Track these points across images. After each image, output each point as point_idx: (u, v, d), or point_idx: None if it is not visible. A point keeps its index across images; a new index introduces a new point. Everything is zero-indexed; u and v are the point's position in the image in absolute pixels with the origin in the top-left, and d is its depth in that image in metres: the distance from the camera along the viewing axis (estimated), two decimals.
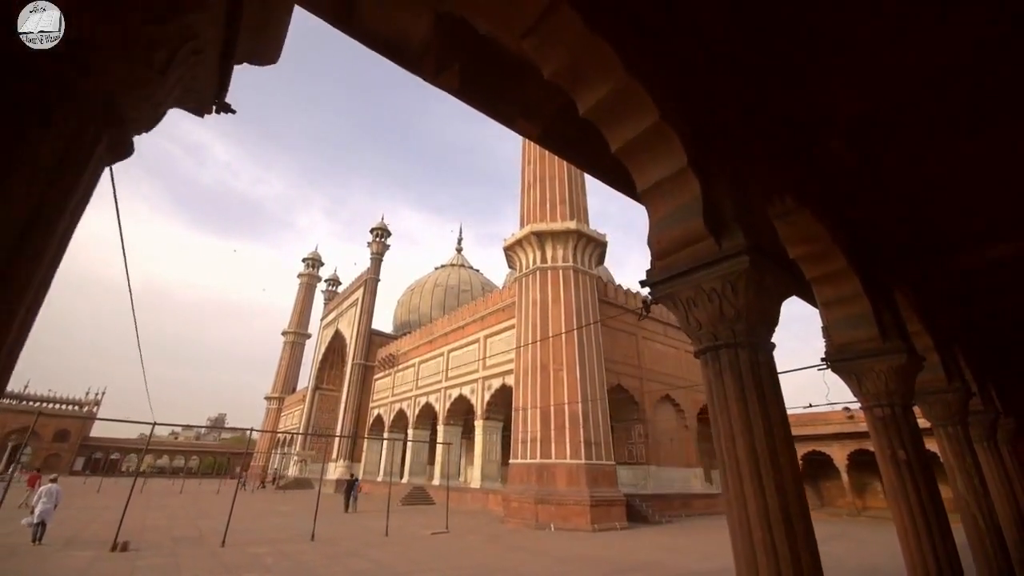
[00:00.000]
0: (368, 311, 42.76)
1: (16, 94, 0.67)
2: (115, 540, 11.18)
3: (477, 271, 52.26)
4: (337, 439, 37.99)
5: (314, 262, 67.47)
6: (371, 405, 39.65)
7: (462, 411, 28.90)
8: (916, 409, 4.40)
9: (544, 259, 21.70)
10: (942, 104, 3.41)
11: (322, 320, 54.15)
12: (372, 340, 42.10)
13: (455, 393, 28.64)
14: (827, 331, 3.86)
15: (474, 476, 25.54)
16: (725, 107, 2.56)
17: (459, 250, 59.02)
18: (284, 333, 63.90)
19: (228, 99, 1.76)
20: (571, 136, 3.59)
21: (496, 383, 25.31)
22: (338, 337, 47.38)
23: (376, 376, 39.92)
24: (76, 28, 0.73)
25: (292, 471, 43.97)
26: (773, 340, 2.17)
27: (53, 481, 12.51)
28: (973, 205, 4.66)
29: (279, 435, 53.50)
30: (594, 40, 2.02)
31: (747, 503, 1.87)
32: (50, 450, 54.41)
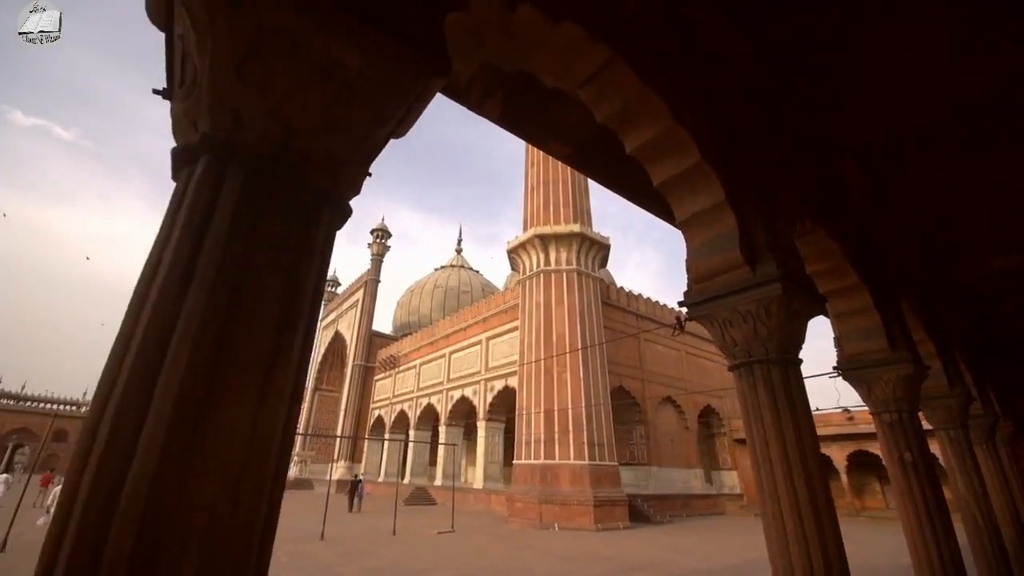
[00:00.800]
0: (368, 313, 42.94)
1: (305, 203, 0.93)
2: None
3: (477, 272, 52.51)
4: (338, 440, 38.15)
5: None
6: (371, 406, 39.83)
7: (464, 412, 29.13)
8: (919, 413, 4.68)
9: (548, 262, 21.97)
10: (948, 131, 3.69)
11: (321, 321, 54.26)
12: (372, 341, 42.28)
13: (457, 394, 28.87)
14: (839, 341, 4.13)
15: (476, 477, 25.78)
16: (756, 146, 2.83)
17: (459, 251, 59.24)
18: None
19: None
20: (599, 158, 3.85)
21: (499, 384, 25.57)
22: (338, 338, 47.54)
23: (377, 377, 40.11)
24: (327, 150, 0.99)
25: (292, 471, 44.06)
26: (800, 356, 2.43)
27: None
28: (974, 221, 4.95)
29: None
30: (645, 91, 2.28)
31: (780, 499, 2.13)
32: (48, 450, 54.31)
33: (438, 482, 28.56)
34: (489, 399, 25.92)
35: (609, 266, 29.19)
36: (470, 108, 3.32)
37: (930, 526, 3.59)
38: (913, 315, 4.90)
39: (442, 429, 29.45)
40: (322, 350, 49.88)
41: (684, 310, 2.67)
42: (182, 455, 0.67)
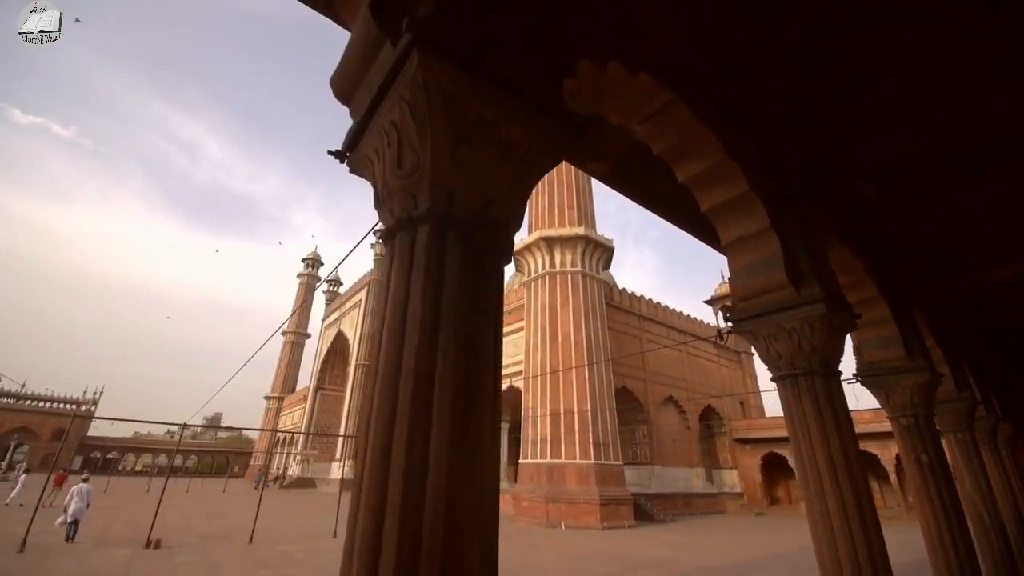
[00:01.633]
0: (372, 312, 43.06)
1: (495, 254, 1.16)
2: (148, 538, 11.56)
3: None
4: (341, 439, 38.30)
5: (314, 262, 67.66)
6: None
7: None
8: None
9: (552, 263, 22.21)
10: (961, 152, 3.93)
11: (323, 321, 54.37)
12: None
13: None
14: (858, 350, 4.38)
15: None
16: (795, 176, 3.07)
17: None
18: (284, 333, 63.94)
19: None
20: (633, 176, 4.09)
21: (503, 384, 25.77)
22: (340, 338, 47.67)
23: None
24: (509, 211, 1.22)
25: (295, 470, 44.23)
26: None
27: (85, 481, 12.84)
28: (982, 235, 5.20)
29: (279, 434, 53.67)
30: (700, 128, 2.51)
31: (827, 500, 2.37)
32: (48, 449, 54.24)
33: None
34: None
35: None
36: None
37: (946, 521, 3.84)
38: (924, 325, 5.16)
39: None
40: (324, 349, 50.03)
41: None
42: (458, 461, 0.90)
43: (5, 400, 54.04)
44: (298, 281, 66.64)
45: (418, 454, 0.88)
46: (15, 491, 19.12)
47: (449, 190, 1.10)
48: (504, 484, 24.80)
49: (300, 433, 44.81)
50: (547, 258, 22.36)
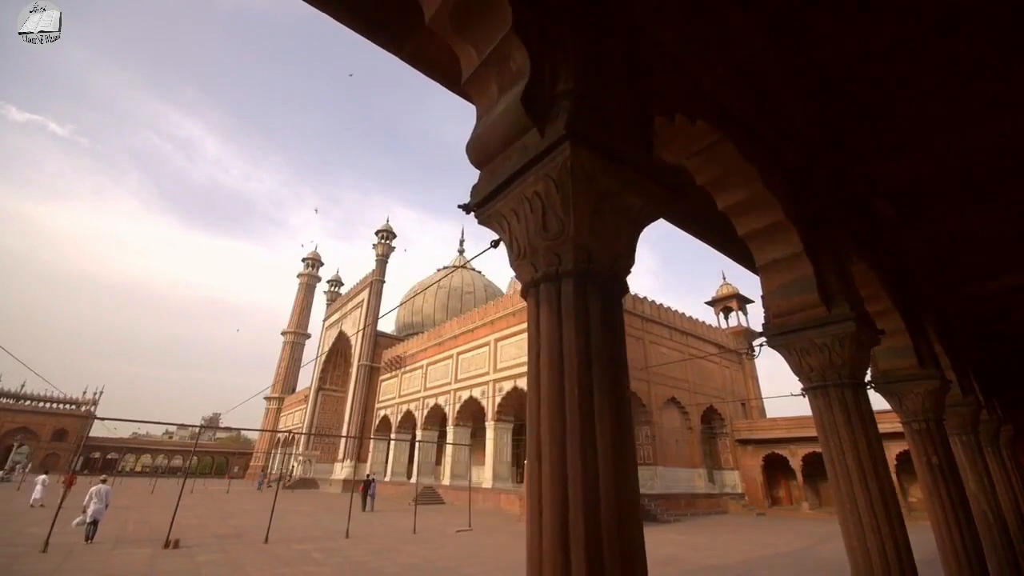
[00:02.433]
0: (374, 313, 43.21)
1: (617, 299, 1.43)
2: (167, 538, 11.79)
3: (480, 273, 53.00)
4: (343, 439, 38.51)
5: (314, 262, 67.78)
6: (377, 406, 40.17)
7: (472, 413, 29.59)
8: None
9: None
10: (969, 169, 4.22)
11: (325, 321, 54.47)
12: (377, 342, 42.58)
13: (465, 395, 29.34)
14: (873, 359, 4.67)
15: (485, 476, 26.25)
16: (824, 202, 3.36)
17: (461, 252, 59.73)
18: (284, 333, 64.08)
19: None
20: (679, 205, 4.37)
21: (507, 386, 26.06)
22: (342, 338, 47.81)
23: (382, 377, 40.45)
24: (626, 263, 1.49)
25: (297, 471, 44.38)
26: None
27: (103, 482, 13.06)
28: (986, 247, 5.50)
29: (280, 435, 53.80)
30: (741, 162, 2.79)
31: (857, 500, 2.65)
32: (48, 449, 54.31)
33: (446, 481, 29.03)
34: (498, 400, 26.40)
35: None
36: None
37: (955, 519, 4.14)
38: (933, 333, 5.45)
39: (450, 429, 29.90)
40: (325, 350, 50.15)
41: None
42: (618, 465, 1.17)
43: (5, 400, 54.05)
44: (298, 281, 66.72)
45: (590, 462, 1.15)
46: (37, 492, 19.45)
47: (588, 250, 1.37)
48: (508, 485, 25.10)
49: (302, 434, 44.94)
50: None
